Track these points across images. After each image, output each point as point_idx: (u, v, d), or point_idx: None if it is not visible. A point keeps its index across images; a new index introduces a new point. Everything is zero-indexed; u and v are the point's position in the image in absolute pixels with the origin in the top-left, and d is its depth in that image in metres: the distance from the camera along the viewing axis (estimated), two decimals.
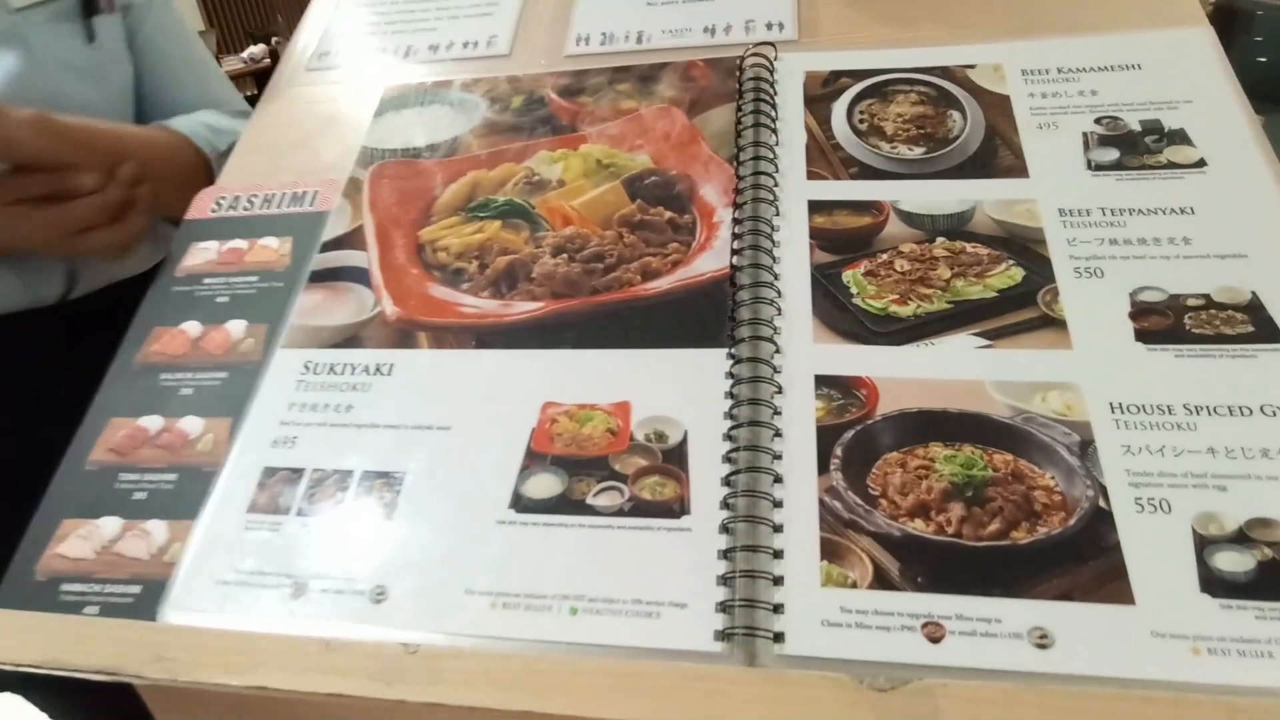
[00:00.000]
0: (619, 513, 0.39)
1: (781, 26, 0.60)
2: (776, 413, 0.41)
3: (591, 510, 0.40)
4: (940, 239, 0.47)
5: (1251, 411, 0.38)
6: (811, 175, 0.51)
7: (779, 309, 0.45)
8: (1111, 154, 0.48)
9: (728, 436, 0.41)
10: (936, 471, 0.38)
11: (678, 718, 0.34)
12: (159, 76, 0.68)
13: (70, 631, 0.41)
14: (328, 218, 0.56)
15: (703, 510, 0.39)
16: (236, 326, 0.51)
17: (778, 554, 0.37)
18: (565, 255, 0.50)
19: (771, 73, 0.57)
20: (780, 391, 0.42)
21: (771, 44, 0.58)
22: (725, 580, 0.37)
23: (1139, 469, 0.37)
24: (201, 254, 0.56)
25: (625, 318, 0.47)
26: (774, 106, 0.54)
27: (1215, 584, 0.34)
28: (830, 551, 0.37)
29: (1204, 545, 0.35)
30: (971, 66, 0.54)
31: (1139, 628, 0.33)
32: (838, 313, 0.45)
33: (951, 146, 0.51)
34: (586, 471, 0.41)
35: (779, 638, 0.35)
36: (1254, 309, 0.41)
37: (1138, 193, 0.46)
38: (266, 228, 0.56)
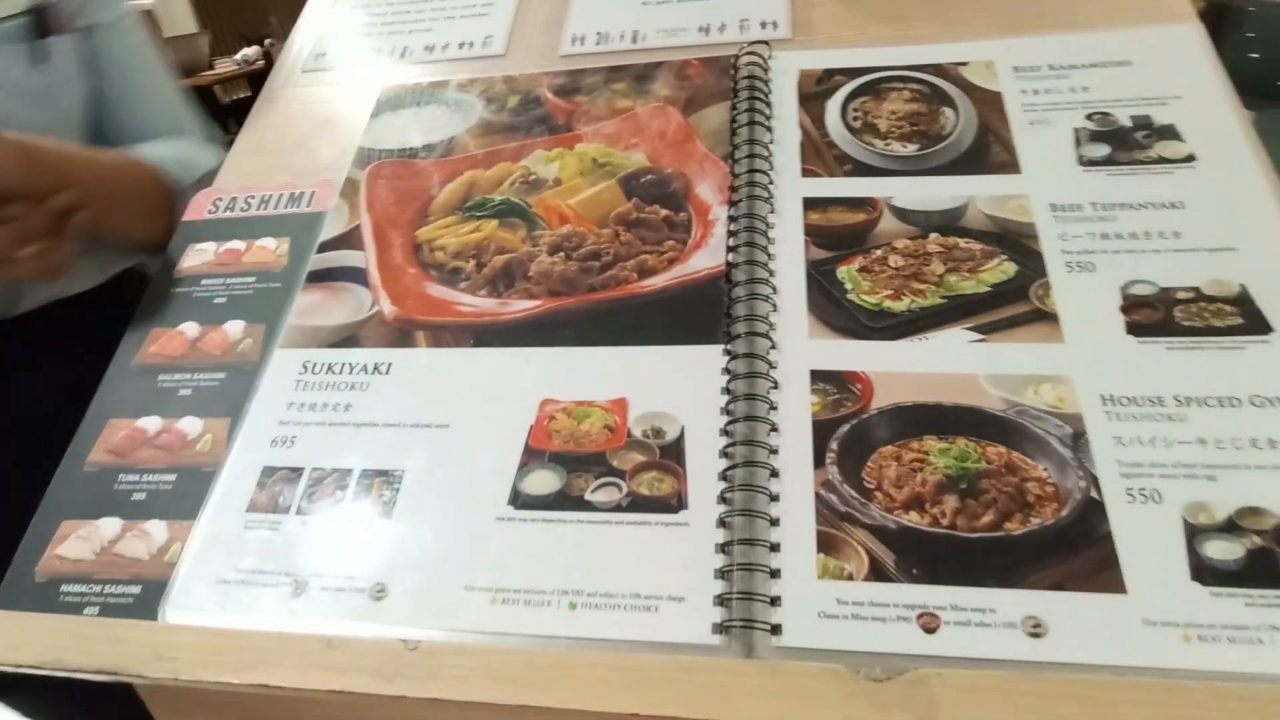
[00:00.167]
0: (617, 508, 0.40)
1: (775, 25, 0.61)
2: (773, 408, 0.41)
3: (590, 506, 0.40)
4: (934, 235, 0.47)
5: (1240, 402, 0.38)
6: (806, 172, 0.52)
7: (774, 305, 0.45)
8: (1102, 149, 0.49)
9: (724, 432, 0.41)
10: (931, 464, 0.39)
11: (677, 710, 0.34)
12: (123, 100, 0.66)
13: (70, 632, 0.41)
14: (325, 218, 0.56)
15: (700, 505, 0.39)
16: (234, 327, 0.51)
17: (774, 547, 0.37)
18: (562, 254, 0.51)
19: (766, 71, 0.57)
20: (776, 387, 0.42)
21: (766, 42, 0.58)
22: (723, 574, 0.37)
23: (1130, 460, 0.37)
24: (199, 255, 0.56)
25: (622, 315, 0.47)
26: (768, 104, 0.55)
27: (1205, 572, 0.34)
28: (826, 544, 0.37)
29: (1194, 534, 0.35)
30: (964, 64, 0.55)
31: (1131, 616, 0.33)
32: (833, 308, 0.45)
33: (944, 143, 0.51)
34: (585, 468, 0.41)
35: (776, 630, 0.35)
36: (1243, 302, 0.41)
37: (1128, 188, 0.47)
38: (264, 229, 0.56)
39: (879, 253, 0.47)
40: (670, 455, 0.41)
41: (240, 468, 0.45)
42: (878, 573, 0.36)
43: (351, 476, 0.43)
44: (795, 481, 0.39)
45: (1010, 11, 0.57)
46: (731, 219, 0.49)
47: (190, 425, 0.47)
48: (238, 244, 0.56)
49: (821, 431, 0.40)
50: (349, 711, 0.40)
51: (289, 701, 0.40)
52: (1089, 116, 0.50)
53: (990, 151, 0.50)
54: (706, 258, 0.49)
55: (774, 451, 0.40)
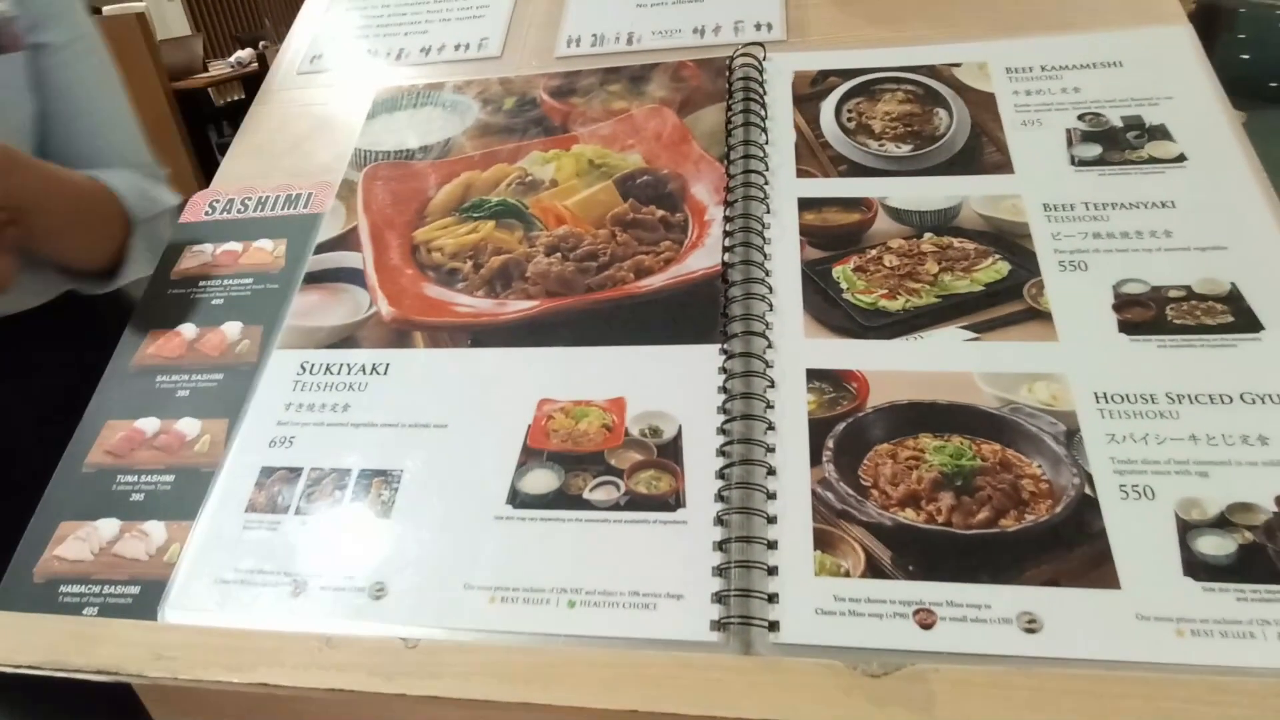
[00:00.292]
0: (615, 507, 0.40)
1: (770, 27, 0.61)
2: (769, 406, 0.42)
3: (588, 505, 0.40)
4: (928, 234, 0.48)
5: (1232, 399, 0.39)
6: (801, 173, 0.52)
7: (770, 305, 0.45)
8: (1094, 150, 0.49)
9: (721, 430, 0.41)
10: (926, 462, 0.39)
11: (675, 706, 0.34)
12: (70, 123, 0.63)
13: (70, 632, 0.41)
14: (322, 219, 0.56)
15: (697, 503, 0.39)
16: (232, 328, 0.51)
17: (772, 545, 0.37)
18: (559, 254, 0.51)
19: (761, 72, 0.57)
20: (773, 386, 0.42)
21: (760, 44, 0.59)
22: (720, 571, 0.37)
23: (1123, 457, 0.38)
24: (196, 257, 0.56)
25: (619, 315, 0.47)
26: (763, 106, 0.55)
27: (1198, 567, 0.34)
28: (823, 541, 0.37)
29: (1187, 530, 0.35)
30: (957, 65, 0.55)
31: (1124, 611, 0.34)
32: (828, 308, 0.45)
33: (938, 144, 0.52)
34: (582, 467, 0.42)
35: (774, 626, 0.35)
36: (1234, 300, 0.42)
37: (1120, 187, 0.47)
38: (261, 230, 0.56)
39: (874, 252, 0.48)
40: (668, 454, 0.41)
41: (239, 468, 0.45)
42: (874, 569, 0.36)
43: (350, 476, 0.43)
44: (792, 479, 0.39)
45: (1003, 13, 0.57)
46: (727, 219, 0.49)
47: (188, 426, 0.47)
48: (235, 245, 0.56)
49: (818, 430, 0.41)
50: (349, 710, 0.41)
51: (289, 701, 0.40)
52: (1081, 117, 0.51)
53: (983, 152, 0.51)
54: (703, 258, 0.49)
55: (771, 450, 0.40)
